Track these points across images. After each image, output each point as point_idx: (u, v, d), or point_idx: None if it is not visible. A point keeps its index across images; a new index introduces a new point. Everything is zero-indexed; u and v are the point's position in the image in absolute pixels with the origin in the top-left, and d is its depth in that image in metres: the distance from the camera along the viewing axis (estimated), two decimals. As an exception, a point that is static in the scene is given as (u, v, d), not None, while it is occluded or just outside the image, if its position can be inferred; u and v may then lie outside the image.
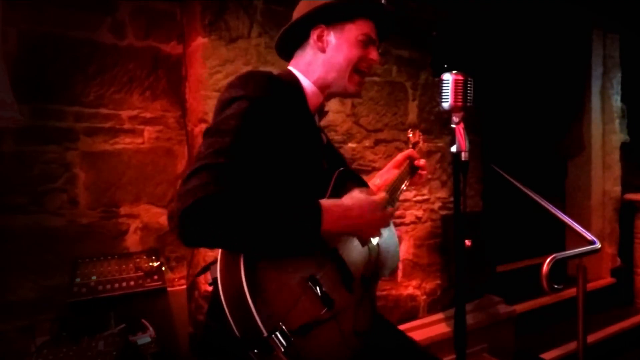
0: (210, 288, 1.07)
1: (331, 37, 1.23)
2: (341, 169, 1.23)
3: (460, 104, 1.31)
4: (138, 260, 1.91)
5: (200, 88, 2.16)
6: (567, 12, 3.62)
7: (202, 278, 1.02)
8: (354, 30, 1.23)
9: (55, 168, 2.09)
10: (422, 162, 1.60)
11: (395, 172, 1.54)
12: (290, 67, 1.29)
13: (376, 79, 2.67)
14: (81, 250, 2.08)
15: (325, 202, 1.03)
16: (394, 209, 1.24)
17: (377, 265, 1.29)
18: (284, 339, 0.89)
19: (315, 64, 1.24)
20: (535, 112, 3.97)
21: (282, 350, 0.88)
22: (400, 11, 2.69)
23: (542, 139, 4.10)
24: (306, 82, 1.25)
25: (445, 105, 1.33)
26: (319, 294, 1.01)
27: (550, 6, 3.39)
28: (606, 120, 4.15)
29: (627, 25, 4.04)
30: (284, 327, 0.90)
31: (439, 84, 1.33)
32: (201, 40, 2.14)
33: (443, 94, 1.32)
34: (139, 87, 2.29)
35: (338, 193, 1.16)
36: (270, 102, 1.07)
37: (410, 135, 1.73)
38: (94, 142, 2.18)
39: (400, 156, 1.61)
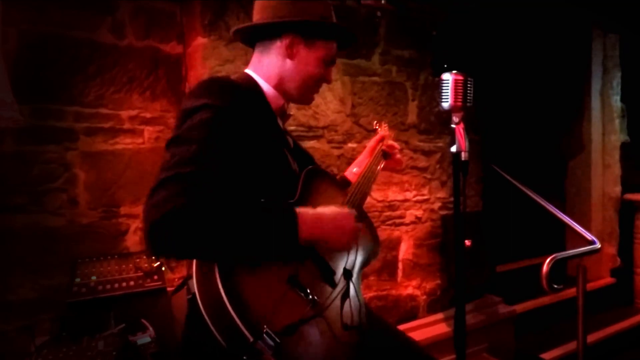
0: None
1: (301, 49, 1.22)
2: (309, 167, 1.23)
3: (460, 104, 1.31)
4: (138, 260, 1.91)
5: (200, 88, 2.15)
6: (567, 12, 3.62)
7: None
8: (324, 50, 1.24)
9: (55, 168, 2.09)
10: (391, 143, 1.61)
11: (367, 161, 1.55)
12: (247, 71, 1.27)
13: (376, 79, 2.67)
14: (81, 250, 2.08)
15: (300, 209, 1.03)
16: (361, 219, 1.26)
17: (358, 256, 1.29)
18: (271, 341, 0.89)
19: (278, 69, 1.23)
20: (535, 112, 3.97)
21: (271, 352, 0.88)
22: (401, 11, 2.69)
23: (542, 139, 4.10)
24: (266, 86, 1.24)
25: (445, 105, 1.33)
26: (301, 293, 1.01)
27: (550, 6, 3.39)
28: (606, 120, 4.14)
29: (627, 25, 4.04)
30: (269, 330, 0.90)
31: (439, 84, 1.34)
32: (201, 40, 2.14)
33: (443, 94, 1.32)
34: (139, 87, 2.29)
35: (308, 191, 1.17)
36: (233, 109, 1.06)
37: (378, 127, 1.74)
38: (94, 142, 2.18)
39: (372, 141, 1.62)
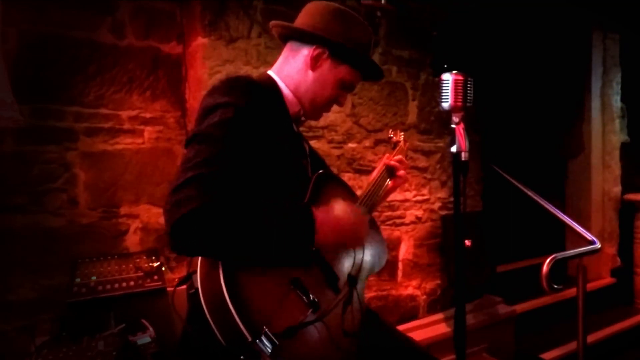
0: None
1: (326, 65, 1.23)
2: (320, 171, 1.23)
3: (460, 104, 1.31)
4: (138, 260, 1.90)
5: (200, 88, 2.16)
6: (567, 12, 3.62)
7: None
8: (346, 73, 1.25)
9: (55, 168, 2.09)
10: (394, 161, 1.52)
11: (375, 175, 1.51)
12: (270, 72, 1.28)
13: (376, 79, 2.66)
14: (81, 250, 2.08)
15: (318, 214, 1.04)
16: (370, 216, 1.26)
17: (363, 264, 1.29)
18: (269, 342, 0.89)
19: (299, 76, 1.24)
20: (535, 112, 3.97)
21: (268, 354, 0.88)
22: (401, 11, 2.69)
23: (542, 139, 4.10)
24: (286, 90, 1.25)
25: (445, 105, 1.33)
26: (303, 296, 1.01)
27: (550, 6, 3.39)
28: (606, 120, 4.15)
29: (627, 25, 4.04)
30: (268, 331, 0.90)
31: (439, 84, 1.34)
32: (201, 41, 2.14)
33: (443, 94, 1.32)
34: (139, 87, 2.29)
35: (317, 195, 1.17)
36: (254, 109, 1.07)
37: (392, 135, 1.72)
38: (94, 142, 2.17)
39: (380, 165, 1.57)
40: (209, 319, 0.91)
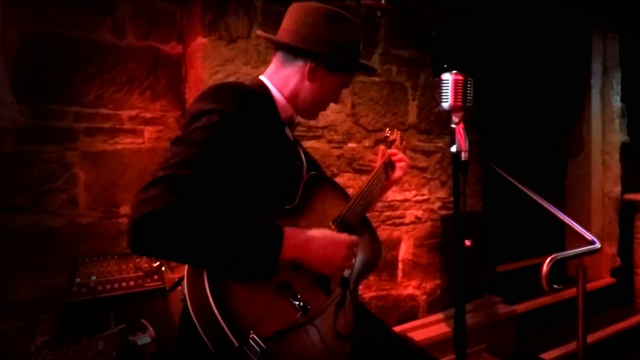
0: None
1: (322, 74, 1.23)
2: (311, 173, 1.23)
3: (460, 104, 1.31)
4: (138, 260, 1.90)
5: (200, 88, 2.15)
6: (567, 12, 3.62)
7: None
8: (342, 79, 1.28)
9: (55, 168, 2.09)
10: (396, 157, 1.53)
11: (372, 172, 1.50)
12: (262, 77, 1.27)
13: (376, 79, 2.67)
14: (81, 250, 2.08)
15: (287, 228, 1.01)
16: (358, 240, 1.20)
17: (356, 265, 1.26)
18: (257, 347, 0.88)
19: (295, 85, 1.24)
20: (535, 112, 3.97)
21: (256, 359, 0.88)
22: (401, 11, 2.69)
23: (542, 139, 4.10)
24: (278, 96, 1.24)
25: (445, 105, 1.33)
26: (292, 299, 1.00)
27: (550, 6, 3.39)
28: (606, 120, 4.14)
29: (627, 25, 4.04)
30: (255, 336, 0.89)
31: (439, 84, 1.34)
32: (201, 40, 2.14)
33: (443, 94, 1.32)
34: (139, 87, 2.29)
35: (308, 197, 1.16)
36: (242, 115, 1.05)
37: (388, 133, 1.71)
38: (94, 142, 2.17)
39: (378, 162, 1.57)
40: (197, 325, 0.90)
